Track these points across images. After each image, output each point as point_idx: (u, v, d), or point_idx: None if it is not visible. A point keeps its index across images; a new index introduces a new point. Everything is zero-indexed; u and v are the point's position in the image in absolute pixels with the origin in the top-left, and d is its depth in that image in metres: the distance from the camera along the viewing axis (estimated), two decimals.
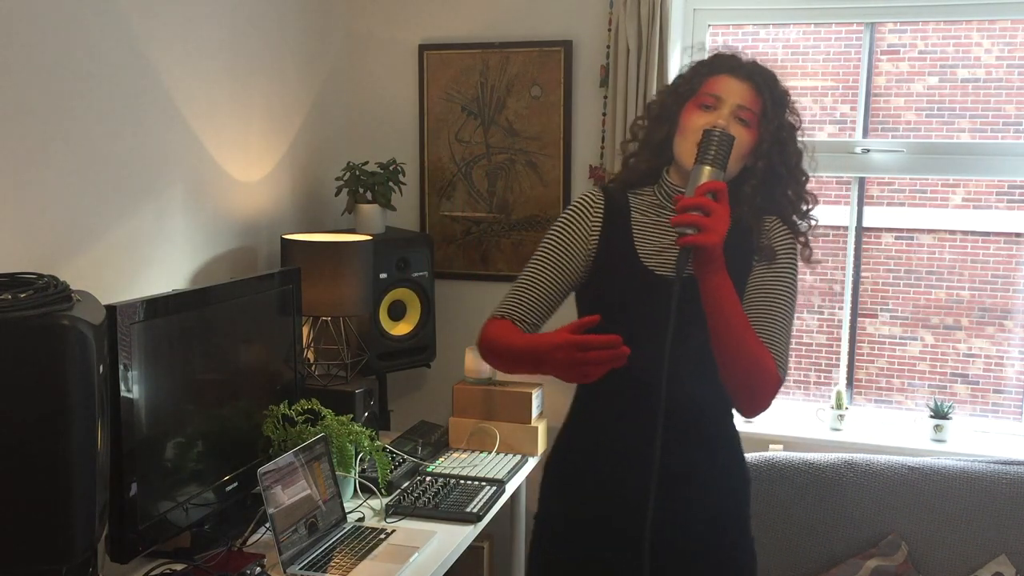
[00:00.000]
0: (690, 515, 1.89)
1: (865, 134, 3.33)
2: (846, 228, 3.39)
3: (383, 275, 3.09)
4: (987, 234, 3.32)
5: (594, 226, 1.90)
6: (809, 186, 1.93)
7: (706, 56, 1.91)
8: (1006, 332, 3.30)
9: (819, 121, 3.40)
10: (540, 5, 3.34)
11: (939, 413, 3.22)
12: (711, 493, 1.92)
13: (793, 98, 1.89)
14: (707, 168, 1.66)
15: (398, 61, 3.51)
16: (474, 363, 3.14)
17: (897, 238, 3.40)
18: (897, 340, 3.41)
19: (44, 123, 2.14)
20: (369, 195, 3.19)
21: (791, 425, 3.37)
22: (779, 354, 1.76)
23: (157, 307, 2.16)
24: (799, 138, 1.90)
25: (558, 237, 1.91)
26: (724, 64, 1.84)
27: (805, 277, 3.45)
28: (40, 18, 2.12)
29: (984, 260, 3.31)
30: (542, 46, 3.34)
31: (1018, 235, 3.30)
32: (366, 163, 3.24)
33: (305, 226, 3.27)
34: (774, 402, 1.80)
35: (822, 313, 3.45)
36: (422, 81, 3.47)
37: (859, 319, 3.43)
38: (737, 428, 1.98)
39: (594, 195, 1.93)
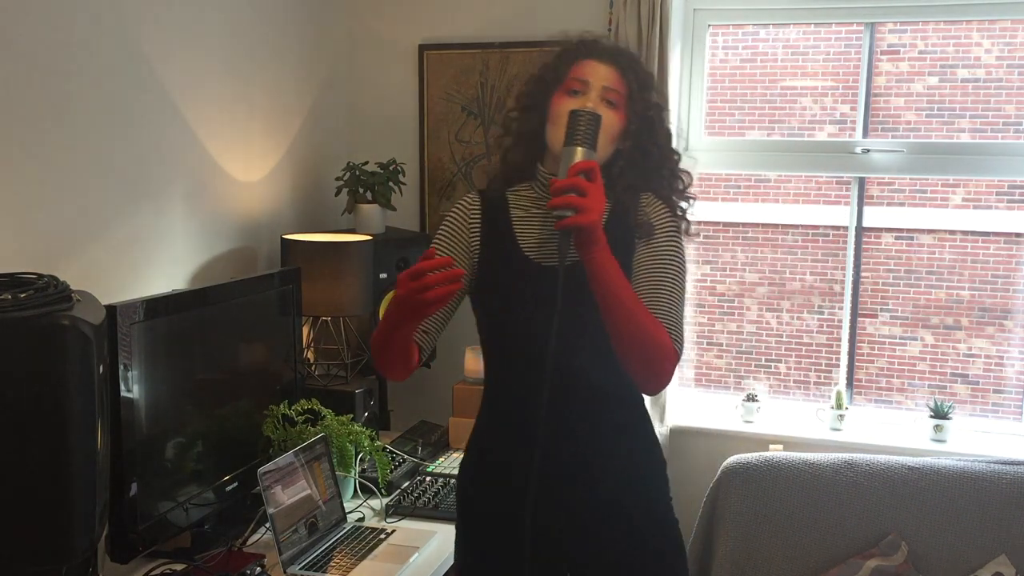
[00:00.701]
0: (593, 501, 1.86)
1: (865, 134, 3.33)
2: (846, 228, 3.39)
3: (383, 275, 3.08)
4: (987, 234, 3.32)
5: (473, 229, 1.90)
6: (683, 164, 1.95)
7: (571, 43, 1.91)
8: (1006, 332, 3.30)
9: (819, 121, 3.40)
10: (540, 5, 3.34)
11: (939, 413, 3.22)
12: (614, 479, 1.87)
13: (656, 80, 1.93)
14: (578, 149, 1.65)
15: (398, 61, 3.50)
16: (474, 363, 3.14)
17: (897, 238, 3.40)
18: (897, 340, 3.41)
19: (44, 123, 2.14)
20: (369, 195, 3.19)
21: (791, 425, 3.37)
22: (673, 328, 1.74)
23: (157, 307, 2.16)
24: (666, 119, 1.92)
25: (439, 247, 1.90)
26: (588, 49, 1.86)
27: (805, 277, 3.45)
28: (40, 18, 2.12)
29: (984, 260, 3.31)
30: (542, 46, 3.32)
31: (1018, 235, 3.30)
32: (366, 163, 3.23)
33: (305, 226, 3.27)
34: (678, 383, 1.79)
35: (822, 313, 3.45)
36: (422, 81, 3.47)
37: (859, 319, 3.43)
38: (647, 413, 1.96)
39: (470, 200, 1.94)
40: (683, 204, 1.88)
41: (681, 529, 1.98)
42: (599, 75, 1.80)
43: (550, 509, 1.82)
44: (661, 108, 1.89)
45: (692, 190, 1.92)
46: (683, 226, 1.87)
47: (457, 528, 2.02)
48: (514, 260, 1.84)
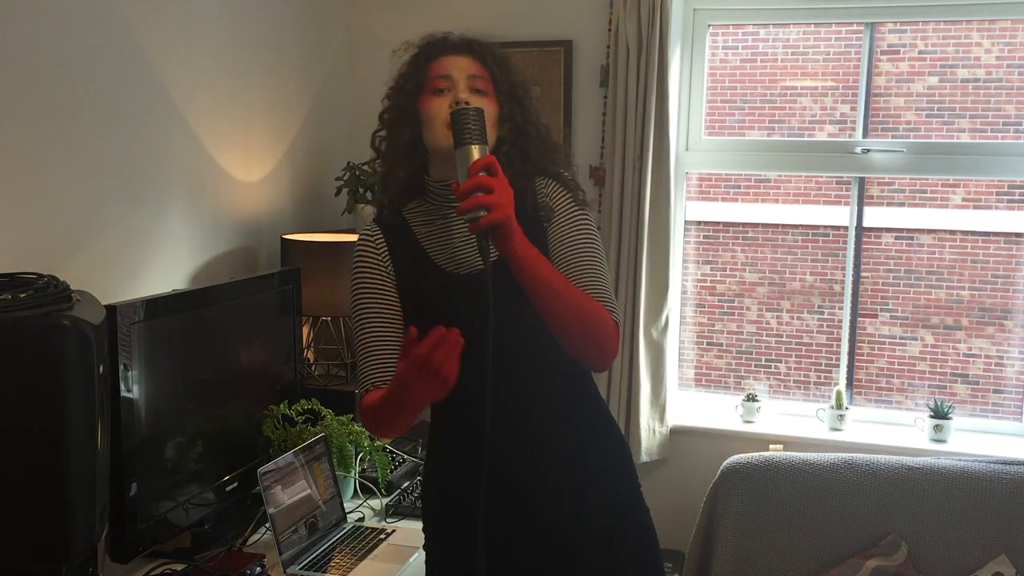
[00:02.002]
0: (555, 505, 1.77)
1: (865, 134, 3.33)
2: (846, 228, 3.39)
3: None
4: (987, 234, 3.32)
5: (384, 260, 1.81)
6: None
7: (421, 45, 1.87)
8: (1006, 332, 3.30)
9: (819, 121, 3.40)
10: (540, 5, 3.34)
11: (939, 413, 3.22)
12: (575, 471, 1.79)
13: (511, 58, 1.86)
14: (472, 147, 1.58)
15: (398, 61, 3.49)
16: None
17: (897, 238, 3.40)
18: (897, 340, 3.41)
19: (44, 123, 2.14)
20: (369, 195, 3.19)
21: (791, 425, 3.37)
22: (606, 300, 1.73)
23: (157, 307, 2.16)
24: (534, 95, 1.87)
25: (362, 289, 1.81)
26: (439, 46, 1.83)
27: (805, 277, 3.45)
28: (40, 19, 2.12)
29: (984, 260, 3.31)
30: (542, 46, 3.34)
31: (1018, 235, 3.30)
32: (366, 163, 3.22)
33: (305, 226, 3.27)
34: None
35: (822, 313, 3.45)
36: None
37: (859, 319, 3.43)
38: (604, 404, 1.91)
39: (370, 231, 1.85)
40: (568, 175, 1.84)
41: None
42: (460, 67, 1.77)
43: (509, 524, 1.75)
44: (527, 86, 1.84)
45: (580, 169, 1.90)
46: (581, 197, 1.82)
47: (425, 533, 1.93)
48: (431, 276, 1.78)
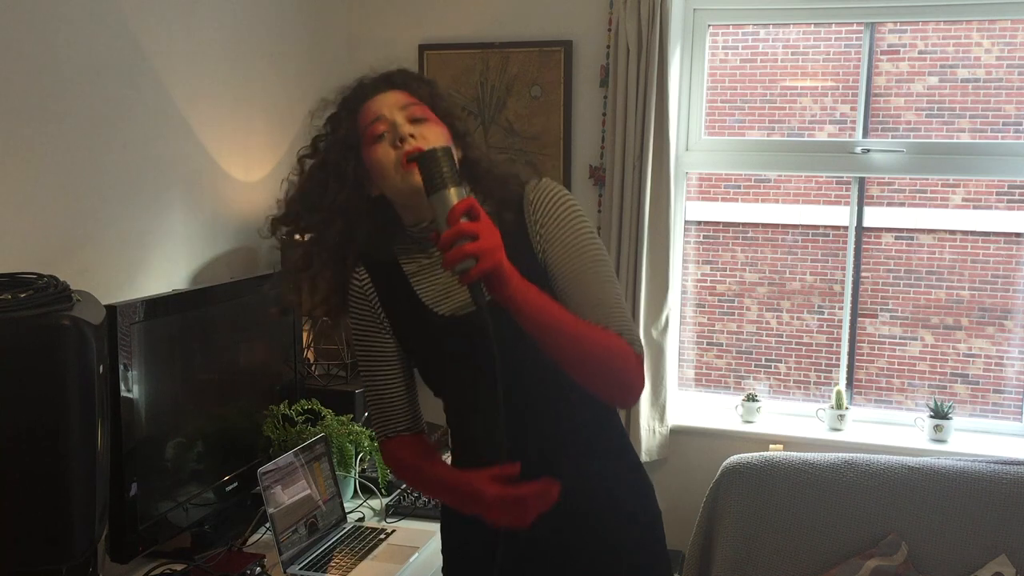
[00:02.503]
0: (577, 546, 1.66)
1: (865, 134, 3.33)
2: (846, 228, 3.39)
3: None
4: (987, 234, 3.32)
5: (375, 309, 1.69)
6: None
7: (337, 101, 1.72)
8: (1006, 332, 3.30)
9: (819, 121, 3.40)
10: (540, 5, 3.34)
11: (939, 413, 3.22)
12: (600, 521, 1.66)
13: (435, 81, 1.73)
14: (447, 191, 1.41)
15: (398, 61, 3.49)
16: None
17: (897, 238, 3.40)
18: (897, 340, 3.41)
19: (44, 124, 2.15)
20: None
21: (791, 425, 3.37)
22: (622, 326, 1.56)
23: (157, 307, 2.16)
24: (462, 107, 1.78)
25: (358, 339, 1.72)
26: (360, 92, 1.68)
27: (805, 277, 3.45)
28: (39, 18, 2.12)
29: (984, 260, 3.31)
30: (542, 46, 3.34)
31: (1018, 235, 3.30)
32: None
33: None
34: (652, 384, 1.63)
35: (822, 313, 3.45)
36: None
37: (859, 319, 3.43)
38: (628, 444, 1.77)
39: (359, 277, 1.69)
40: (525, 176, 1.68)
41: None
42: (388, 103, 1.61)
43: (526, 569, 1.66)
44: (454, 99, 1.76)
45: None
46: (568, 202, 1.62)
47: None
48: (423, 322, 1.64)
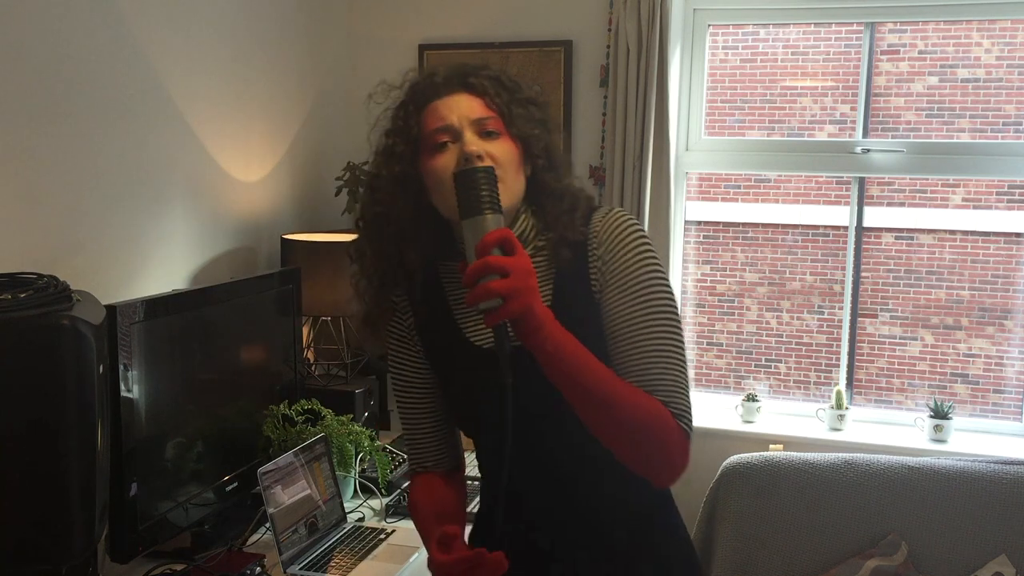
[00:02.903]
0: None
1: (865, 134, 3.33)
2: (846, 228, 3.39)
3: None
4: (987, 234, 3.32)
5: (411, 336, 1.56)
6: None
7: (404, 94, 1.51)
8: (1006, 332, 3.30)
9: (819, 121, 3.40)
10: (540, 5, 3.34)
11: (939, 413, 3.22)
12: None
13: (509, 72, 1.54)
14: (484, 217, 1.27)
15: (398, 61, 3.50)
16: None
17: (897, 238, 3.40)
18: (897, 340, 3.41)
19: (44, 123, 2.14)
20: None
21: (791, 425, 3.37)
22: (671, 395, 1.36)
23: (157, 307, 2.16)
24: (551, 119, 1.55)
25: (393, 368, 1.60)
26: (431, 88, 1.46)
27: (805, 277, 3.45)
28: (39, 18, 2.12)
29: (984, 260, 3.31)
30: (542, 46, 3.34)
31: (1018, 235, 3.30)
32: (366, 163, 3.22)
33: (305, 226, 3.27)
34: (684, 459, 1.38)
35: (822, 313, 3.45)
36: None
37: (859, 319, 3.43)
38: (676, 516, 1.58)
39: (398, 301, 1.55)
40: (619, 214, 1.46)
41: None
42: (461, 110, 1.42)
43: None
44: (539, 105, 1.51)
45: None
46: (642, 241, 1.42)
47: None
48: (458, 353, 1.49)
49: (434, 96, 1.45)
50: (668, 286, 1.41)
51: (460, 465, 1.67)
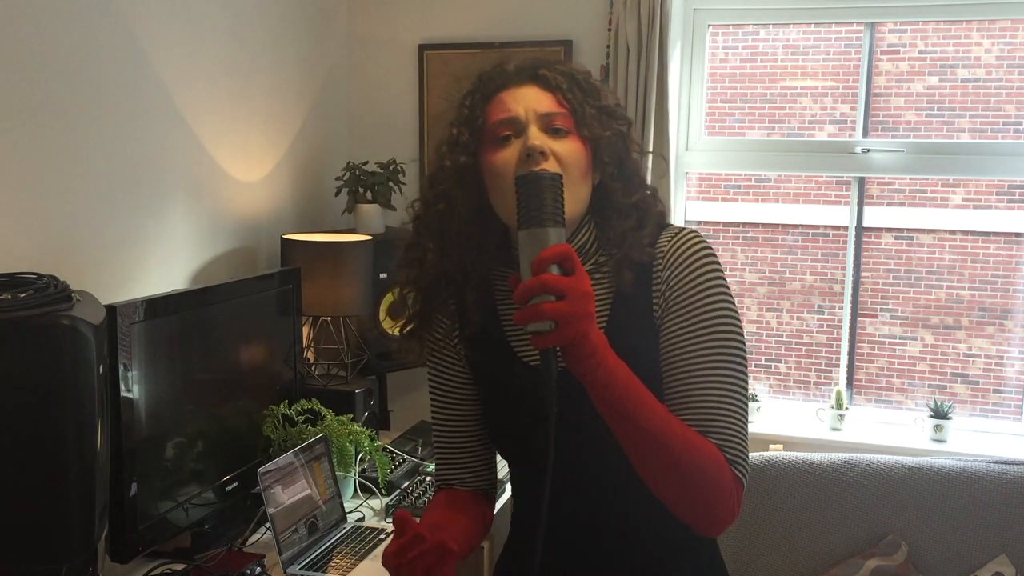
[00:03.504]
0: None
1: (865, 134, 3.33)
2: (846, 228, 3.39)
3: (383, 275, 3.08)
4: (987, 234, 3.32)
5: (454, 345, 1.47)
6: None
7: (474, 83, 1.42)
8: (1006, 332, 3.30)
9: (819, 121, 3.40)
10: (540, 5, 3.34)
11: (939, 413, 3.22)
12: None
13: (597, 77, 1.43)
14: (543, 231, 1.15)
15: (398, 61, 3.50)
16: None
17: (897, 238, 3.40)
18: (897, 340, 3.41)
19: (44, 123, 2.14)
20: (369, 195, 3.19)
21: (791, 425, 3.37)
22: (727, 439, 1.25)
23: (157, 307, 2.16)
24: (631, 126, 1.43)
25: (431, 377, 1.51)
26: (500, 78, 1.37)
27: (805, 277, 3.45)
28: (40, 18, 2.12)
29: (984, 260, 3.31)
30: (542, 46, 3.33)
31: (1018, 235, 3.30)
32: (366, 163, 3.23)
33: (305, 226, 3.27)
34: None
35: (822, 313, 3.45)
36: (422, 81, 3.47)
37: (859, 319, 3.43)
38: (717, 554, 1.48)
39: (445, 308, 1.47)
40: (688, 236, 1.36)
41: None
42: (528, 101, 1.32)
43: None
44: (622, 109, 1.41)
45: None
46: (712, 263, 1.31)
47: None
48: (503, 364, 1.41)
49: (502, 86, 1.36)
50: (736, 320, 1.30)
51: (490, 492, 1.55)
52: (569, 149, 1.30)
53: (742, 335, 1.31)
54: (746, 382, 1.30)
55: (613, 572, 1.38)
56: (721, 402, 1.26)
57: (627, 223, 1.34)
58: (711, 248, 1.34)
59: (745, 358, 1.30)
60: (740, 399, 1.27)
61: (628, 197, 1.36)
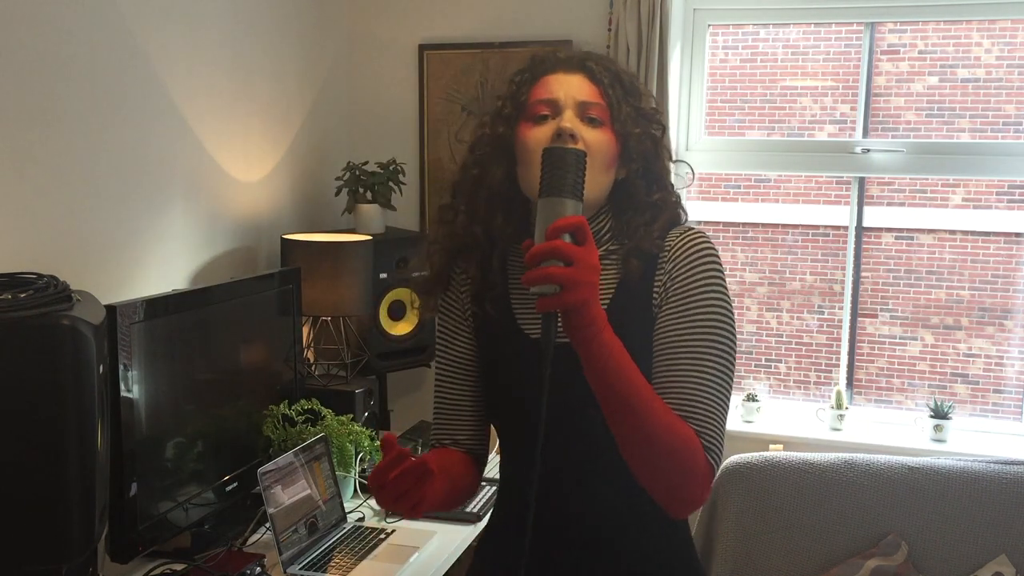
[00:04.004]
0: None
1: (865, 134, 3.33)
2: (846, 228, 3.39)
3: (383, 275, 3.08)
4: (987, 234, 3.32)
5: (464, 307, 1.54)
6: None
7: (526, 63, 1.52)
8: (1006, 332, 3.30)
9: (819, 121, 3.40)
10: (540, 5, 3.34)
11: (939, 413, 3.22)
12: None
13: (641, 80, 1.49)
14: (561, 200, 1.21)
15: (398, 61, 3.50)
16: None
17: (897, 238, 3.40)
18: (897, 340, 3.41)
19: (44, 123, 2.14)
20: (369, 195, 3.19)
21: (791, 425, 3.37)
22: (704, 425, 1.31)
23: (157, 307, 2.16)
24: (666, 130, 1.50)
25: (439, 337, 1.58)
26: (549, 62, 1.46)
27: (805, 277, 3.45)
28: (40, 18, 2.12)
29: (984, 260, 3.31)
30: (542, 46, 3.32)
31: (1018, 235, 3.30)
32: (366, 163, 3.23)
33: (305, 226, 3.27)
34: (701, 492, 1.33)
35: (822, 313, 3.45)
36: (422, 81, 3.47)
37: (859, 319, 3.43)
38: (687, 536, 1.54)
39: (460, 269, 1.55)
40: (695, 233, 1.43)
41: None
42: (570, 88, 1.40)
43: None
44: (659, 115, 1.48)
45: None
46: (713, 261, 1.39)
47: None
48: (506, 335, 1.47)
49: (550, 70, 1.45)
50: (728, 316, 1.36)
51: (481, 457, 1.62)
52: (599, 139, 1.38)
53: (733, 331, 1.37)
54: (731, 375, 1.36)
55: (591, 559, 1.45)
56: (703, 389, 1.33)
57: (641, 218, 1.42)
58: (715, 249, 1.41)
59: (734, 353, 1.37)
60: (722, 389, 1.34)
61: (649, 196, 1.44)
